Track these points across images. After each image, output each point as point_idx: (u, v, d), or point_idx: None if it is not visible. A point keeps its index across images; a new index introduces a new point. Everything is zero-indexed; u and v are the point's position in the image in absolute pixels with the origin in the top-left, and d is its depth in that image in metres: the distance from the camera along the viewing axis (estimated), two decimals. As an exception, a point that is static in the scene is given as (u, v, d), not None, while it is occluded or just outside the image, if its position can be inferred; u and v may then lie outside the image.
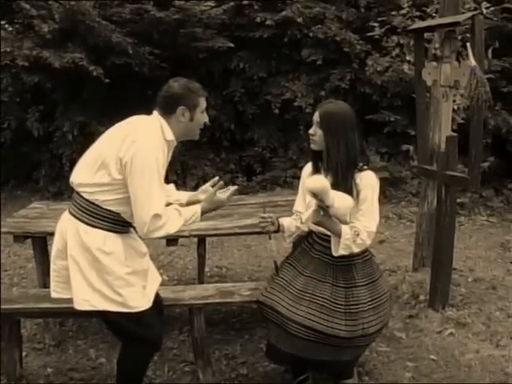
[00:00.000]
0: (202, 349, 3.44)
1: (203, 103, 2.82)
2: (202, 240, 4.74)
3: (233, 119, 8.91)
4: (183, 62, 8.09)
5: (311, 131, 2.99)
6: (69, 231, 2.76)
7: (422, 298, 4.40)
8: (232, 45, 8.12)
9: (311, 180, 2.86)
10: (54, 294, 2.92)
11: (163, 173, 2.76)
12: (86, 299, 2.74)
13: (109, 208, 2.71)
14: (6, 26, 7.67)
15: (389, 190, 7.88)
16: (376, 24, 7.17)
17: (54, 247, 2.87)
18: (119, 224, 2.76)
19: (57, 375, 3.61)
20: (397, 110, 7.98)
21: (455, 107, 4.57)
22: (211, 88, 8.78)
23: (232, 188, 3.01)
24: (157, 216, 2.63)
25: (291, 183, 8.67)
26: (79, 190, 2.75)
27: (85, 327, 4.18)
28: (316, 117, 2.97)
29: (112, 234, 2.75)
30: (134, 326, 2.80)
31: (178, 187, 9.29)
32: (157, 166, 2.63)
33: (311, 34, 7.99)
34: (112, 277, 2.72)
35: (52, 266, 2.89)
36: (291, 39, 8.21)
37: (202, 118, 2.84)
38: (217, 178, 3.11)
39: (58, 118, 7.88)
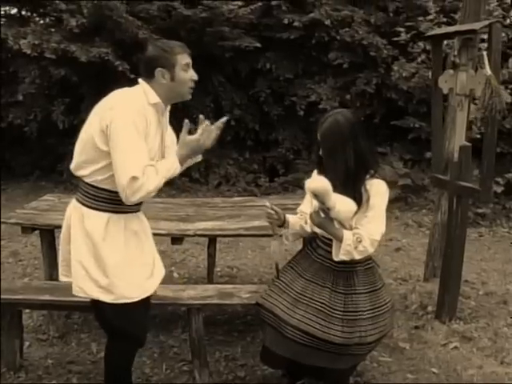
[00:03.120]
0: (199, 349, 3.43)
1: (182, 60, 2.71)
2: (212, 240, 4.75)
3: (258, 119, 8.91)
4: (210, 61, 8.09)
5: (321, 153, 2.97)
6: (73, 217, 2.76)
7: (430, 309, 4.32)
8: (259, 45, 8.12)
9: (312, 180, 2.84)
10: (61, 278, 2.94)
11: (157, 139, 2.73)
12: (80, 286, 2.74)
13: (108, 188, 2.68)
14: (37, 19, 7.80)
15: (410, 198, 7.78)
16: (402, 29, 7.08)
17: (62, 232, 2.89)
18: (122, 204, 2.68)
19: (56, 367, 3.63)
20: (422, 117, 7.87)
21: (473, 118, 4.49)
22: (237, 87, 8.82)
23: (219, 121, 2.84)
24: (134, 179, 2.55)
25: (313, 186, 8.62)
26: (77, 173, 2.75)
27: (90, 321, 4.17)
28: (319, 136, 2.94)
29: (115, 217, 2.72)
30: (121, 320, 2.79)
31: (201, 185, 9.24)
32: (135, 129, 2.56)
33: (339, 37, 7.94)
34: (109, 265, 2.70)
35: (60, 250, 2.92)
36: (319, 41, 8.17)
37: (185, 75, 2.73)
38: (201, 117, 2.85)
39: (83, 111, 7.90)
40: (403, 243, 6.39)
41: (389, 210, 7.93)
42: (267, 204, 3.09)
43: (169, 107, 2.85)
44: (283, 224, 3.15)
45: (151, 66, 2.69)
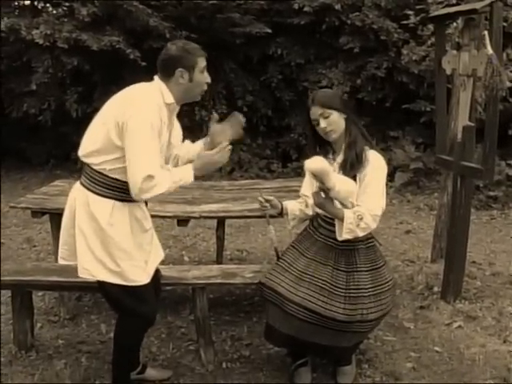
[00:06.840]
0: (204, 328, 3.50)
1: (201, 63, 2.81)
2: (220, 222, 4.80)
3: (270, 105, 8.94)
4: (221, 47, 8.12)
5: (324, 125, 2.95)
6: (78, 201, 2.83)
7: (435, 289, 4.36)
8: (270, 31, 8.13)
9: (311, 160, 2.86)
10: (60, 261, 3.01)
11: (166, 137, 2.81)
12: (86, 268, 2.82)
13: (116, 177, 2.75)
14: (50, 9, 7.88)
15: (422, 181, 7.78)
16: (411, 12, 7.04)
17: (64, 216, 2.95)
18: (127, 193, 2.75)
19: (66, 347, 3.73)
20: (434, 100, 7.81)
21: (479, 99, 4.48)
22: (249, 73, 8.83)
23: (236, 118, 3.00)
24: (150, 177, 2.62)
25: (326, 171, 8.65)
26: (86, 160, 2.80)
27: (100, 303, 4.26)
28: (317, 110, 2.94)
29: (119, 204, 2.78)
30: (129, 299, 2.87)
31: (214, 171, 9.28)
32: (151, 127, 2.64)
33: (349, 22, 7.91)
34: (115, 248, 2.78)
35: (61, 234, 2.98)
36: (329, 26, 8.15)
37: (202, 78, 2.83)
38: (215, 116, 3.04)
39: (96, 99, 7.99)
40: (414, 226, 6.39)
41: (401, 193, 7.95)
42: (259, 198, 3.16)
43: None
44: (281, 212, 3.20)
45: (172, 65, 2.76)
